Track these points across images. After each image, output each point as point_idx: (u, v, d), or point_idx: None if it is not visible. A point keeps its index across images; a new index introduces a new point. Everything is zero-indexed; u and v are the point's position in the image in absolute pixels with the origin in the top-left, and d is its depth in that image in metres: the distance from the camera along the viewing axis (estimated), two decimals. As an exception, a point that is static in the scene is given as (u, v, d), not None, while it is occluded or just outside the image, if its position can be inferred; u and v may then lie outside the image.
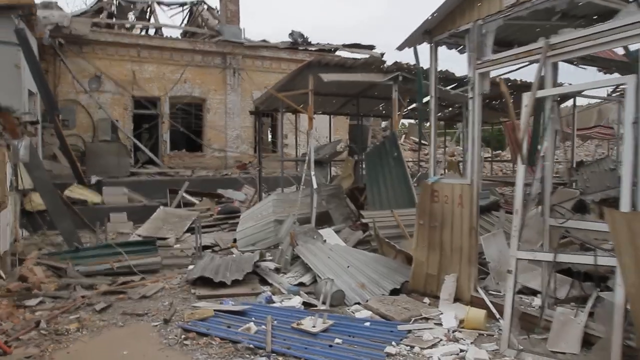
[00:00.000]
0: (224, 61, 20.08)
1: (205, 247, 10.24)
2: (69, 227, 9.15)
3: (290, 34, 21.85)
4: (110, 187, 14.09)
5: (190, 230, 12.47)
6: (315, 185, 9.89)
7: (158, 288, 7.44)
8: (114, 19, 21.26)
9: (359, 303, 6.50)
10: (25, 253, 9.63)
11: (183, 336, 5.36)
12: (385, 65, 10.78)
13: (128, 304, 6.70)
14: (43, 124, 15.22)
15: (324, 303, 5.99)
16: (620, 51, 8.92)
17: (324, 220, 11.11)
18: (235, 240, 11.20)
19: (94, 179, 14.28)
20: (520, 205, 4.86)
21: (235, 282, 7.46)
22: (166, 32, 22.70)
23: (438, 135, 25.55)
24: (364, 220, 9.11)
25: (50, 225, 11.03)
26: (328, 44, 22.16)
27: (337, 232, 10.48)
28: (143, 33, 21.88)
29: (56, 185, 13.74)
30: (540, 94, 4.86)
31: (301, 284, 7.62)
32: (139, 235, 11.55)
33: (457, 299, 6.19)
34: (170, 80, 19.27)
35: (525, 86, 12.83)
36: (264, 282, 7.85)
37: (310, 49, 21.81)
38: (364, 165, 12.27)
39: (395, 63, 10.76)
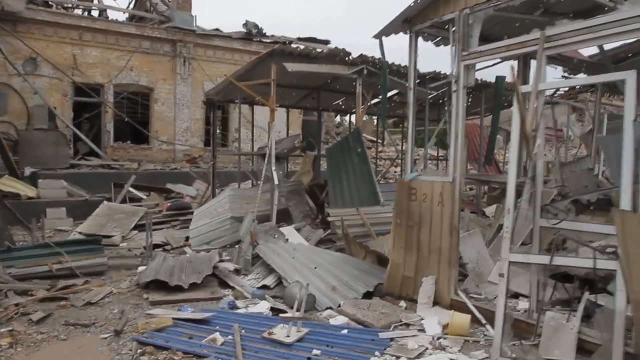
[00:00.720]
0: (174, 49, 19.04)
1: (155, 246, 9.45)
2: (-1, 223, 8.13)
3: (244, 24, 21.08)
4: (47, 180, 12.89)
5: (138, 227, 11.60)
6: (276, 181, 9.35)
7: (105, 293, 6.66)
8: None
9: (331, 308, 6.05)
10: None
11: (139, 350, 4.69)
12: (350, 57, 10.38)
13: (71, 313, 5.92)
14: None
15: (298, 310, 5.48)
16: (586, 52, 8.97)
17: (282, 217, 10.59)
18: (187, 239, 10.48)
19: (28, 171, 13.03)
20: (512, 205, 4.56)
21: (193, 286, 6.82)
22: (111, 15, 21.34)
23: (393, 134, 25.57)
24: (330, 219, 8.67)
25: (-24, 221, 9.86)
26: (283, 36, 21.55)
27: (298, 230, 10.00)
28: (86, 14, 20.37)
29: (-16, 176, 12.47)
30: (542, 87, 4.57)
31: (265, 287, 7.07)
32: (80, 233, 10.56)
33: (435, 302, 5.86)
34: (115, 67, 18.03)
35: (485, 85, 12.86)
36: (224, 284, 7.23)
37: (264, 40, 21.12)
38: (325, 162, 11.83)
39: (361, 55, 10.39)
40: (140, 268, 8.08)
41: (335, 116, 25.33)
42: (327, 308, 6.04)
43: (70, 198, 12.87)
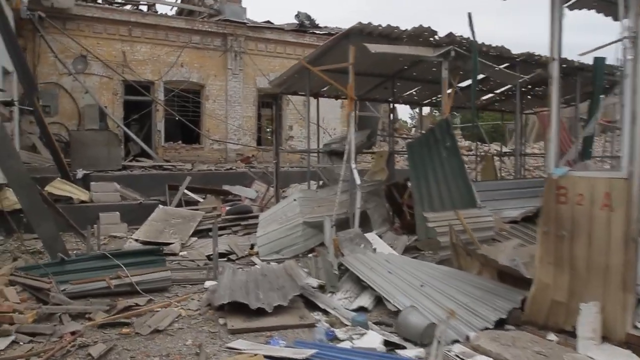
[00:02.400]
0: (225, 43, 18.10)
1: (219, 256, 8.36)
2: (50, 231, 7.20)
3: (296, 16, 20.01)
4: (100, 183, 12.09)
5: (197, 233, 10.59)
6: (358, 181, 8.07)
7: (173, 317, 5.55)
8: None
9: (458, 341, 4.72)
10: (-4, 264, 7.69)
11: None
12: (436, 37, 9.02)
13: (136, 344, 4.82)
14: (21, 108, 13.16)
15: (422, 345, 4.19)
16: None
17: (359, 222, 9.33)
18: (252, 247, 9.38)
19: (80, 173, 12.27)
20: None
21: (277, 308, 5.62)
22: (160, 9, 20.66)
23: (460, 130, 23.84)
24: (430, 224, 7.32)
25: (27, 228, 9.05)
26: (336, 27, 20.30)
27: (379, 236, 8.73)
28: (134, 9, 19.72)
29: (35, 179, 11.70)
30: None
31: (361, 309, 5.82)
32: (137, 241, 9.62)
33: (603, 336, 4.44)
34: (165, 63, 17.25)
35: (581, 69, 11.20)
36: (310, 304, 6.01)
37: (317, 32, 19.97)
38: (406, 158, 10.43)
39: (449, 35, 9.05)
40: (208, 283, 7.00)
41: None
42: (454, 341, 4.71)
43: (123, 201, 12.03)
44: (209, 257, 8.76)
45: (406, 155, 15.50)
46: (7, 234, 10.01)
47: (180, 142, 18.03)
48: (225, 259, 8.65)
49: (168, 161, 16.38)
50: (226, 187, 13.39)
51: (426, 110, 21.95)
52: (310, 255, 8.87)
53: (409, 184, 10.64)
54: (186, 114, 17.79)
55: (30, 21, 15.02)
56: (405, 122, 37.96)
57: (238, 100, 18.45)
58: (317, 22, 20.28)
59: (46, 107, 15.68)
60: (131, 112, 17.33)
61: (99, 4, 17.99)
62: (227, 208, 12.12)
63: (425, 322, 4.74)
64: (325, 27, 20.55)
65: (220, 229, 10.92)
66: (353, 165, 8.22)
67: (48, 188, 11.11)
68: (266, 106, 20.12)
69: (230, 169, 15.42)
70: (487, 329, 4.94)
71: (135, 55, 16.86)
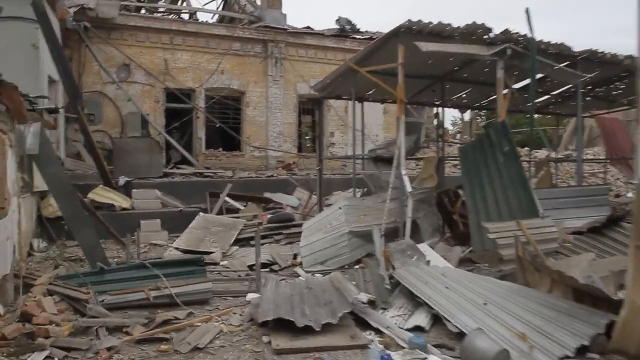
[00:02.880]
0: (265, 50, 17.92)
1: (261, 266, 7.99)
2: (91, 239, 6.99)
3: (337, 21, 19.66)
4: (141, 190, 11.99)
5: (238, 242, 10.28)
6: (409, 188, 7.55)
7: (214, 333, 5.18)
8: (144, 1, 19.35)
9: (534, 371, 4.13)
10: (38, 273, 7.55)
11: None
12: (490, 34, 8.43)
13: (175, 363, 4.46)
14: (67, 116, 13.30)
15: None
16: None
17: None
18: (295, 257, 8.97)
19: (122, 180, 12.21)
20: None
21: (325, 325, 5.16)
22: (201, 17, 20.75)
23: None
24: (491, 236, 6.70)
25: (69, 235, 8.97)
26: (378, 32, 19.83)
27: (431, 247, 8.16)
28: (176, 18, 19.87)
29: (80, 187, 11.71)
30: None
31: (417, 328, 5.28)
32: (178, 249, 9.38)
33: None
34: (206, 71, 17.20)
35: None
36: (360, 321, 5.52)
37: (358, 37, 19.56)
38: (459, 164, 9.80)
39: (505, 32, 8.42)
40: (250, 295, 6.63)
41: (436, 116, 23.11)
42: (529, 371, 4.12)
43: (164, 209, 11.88)
44: (250, 267, 8.42)
45: (456, 162, 14.85)
46: (50, 241, 9.98)
47: (220, 149, 17.91)
48: (268, 269, 8.28)
49: (208, 168, 16.25)
50: (267, 195, 13.09)
51: (466, 116, 21.12)
52: (356, 266, 8.39)
53: (461, 191, 10.04)
54: (227, 121, 17.67)
55: (76, 31, 15.24)
56: (447, 128, 36.97)
57: (278, 107, 18.22)
58: (358, 27, 19.86)
59: (91, 115, 15.89)
60: (172, 119, 17.36)
61: (142, 13, 18.14)
62: (269, 216, 11.79)
63: (495, 347, 4.17)
64: (366, 31, 20.11)
65: (262, 237, 10.57)
66: (403, 172, 7.70)
67: (91, 195, 11.07)
68: (306, 113, 19.81)
69: (271, 176, 15.12)
70: (567, 357, 4.32)
71: (176, 63, 16.88)
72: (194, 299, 6.32)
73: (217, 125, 17.49)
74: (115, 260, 8.81)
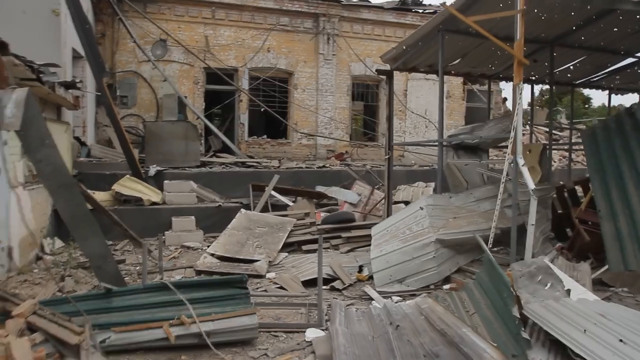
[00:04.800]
0: (316, 25, 15.91)
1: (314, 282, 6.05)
2: (99, 248, 5.22)
3: (397, -8, 17.39)
4: (175, 182, 10.26)
5: (286, 246, 8.38)
6: (532, 185, 5.38)
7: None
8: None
9: None
10: (32, 288, 5.90)
11: None
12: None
13: None
14: (98, 96, 11.73)
15: None
16: None
17: (507, 239, 6.67)
18: (361, 269, 6.98)
19: (153, 170, 10.52)
20: None
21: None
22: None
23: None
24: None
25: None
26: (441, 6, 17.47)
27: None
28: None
29: (106, 177, 10.16)
30: None
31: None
32: (214, 255, 7.54)
33: None
34: (251, 48, 15.36)
35: None
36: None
37: (422, 11, 17.27)
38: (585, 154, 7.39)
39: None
40: (311, 333, 4.71)
41: (504, 101, 20.56)
42: None
43: (200, 204, 10.10)
44: (305, 284, 6.50)
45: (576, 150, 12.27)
46: (68, 240, 8.35)
47: (265, 136, 16.09)
48: (328, 286, 6.32)
49: (252, 157, 14.45)
50: (320, 189, 11.11)
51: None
52: (445, 286, 6.33)
53: (583, 189, 7.77)
54: (272, 105, 15.79)
55: (109, 3, 13.70)
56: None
57: (330, 89, 16.21)
58: (420, 0, 17.56)
59: (124, 97, 14.39)
60: (213, 102, 15.66)
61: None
62: (323, 214, 9.84)
63: None
64: (430, 5, 17.81)
65: (314, 241, 8.64)
66: (521, 162, 5.52)
67: (115, 187, 9.42)
68: (358, 98, 17.73)
69: (323, 166, 13.13)
70: None
71: (218, 39, 15.12)
72: (234, 339, 4.44)
73: (262, 110, 15.65)
74: (138, 269, 7.09)
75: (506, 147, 11.81)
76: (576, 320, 4.07)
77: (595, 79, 9.94)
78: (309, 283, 6.49)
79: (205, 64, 14.87)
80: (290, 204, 10.43)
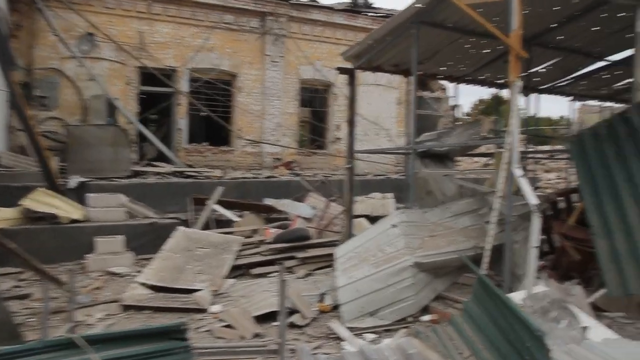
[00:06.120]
0: (263, 24, 14.82)
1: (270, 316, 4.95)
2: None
3: (348, -6, 16.66)
4: (100, 195, 8.79)
5: (234, 269, 7.21)
6: (533, 199, 4.55)
7: None
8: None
9: None
10: None
11: None
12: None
13: None
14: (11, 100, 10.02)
15: None
16: None
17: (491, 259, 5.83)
18: (323, 298, 5.95)
19: (74, 181, 9.02)
20: None
21: None
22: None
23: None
24: None
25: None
26: (394, 9, 16.94)
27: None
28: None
29: (16, 189, 8.57)
30: None
31: None
32: (145, 285, 6.24)
33: None
34: (191, 47, 14.03)
35: None
36: None
37: (372, 14, 16.63)
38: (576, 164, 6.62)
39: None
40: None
41: (453, 108, 20.20)
42: None
43: (130, 220, 8.71)
44: (258, 319, 5.37)
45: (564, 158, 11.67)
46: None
47: (206, 143, 14.75)
48: (287, 322, 5.21)
49: (191, 166, 13.10)
50: (269, 202, 9.98)
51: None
52: (424, 317, 5.41)
53: (566, 202, 7.13)
54: (214, 109, 14.50)
55: (26, -10, 12.01)
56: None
57: (277, 94, 15.14)
58: (371, 2, 16.93)
59: (43, 98, 12.64)
60: (148, 106, 14.16)
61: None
62: (273, 231, 8.73)
63: None
64: (380, 8, 17.20)
65: (265, 264, 7.53)
66: (518, 173, 4.70)
67: (25, 202, 7.87)
68: (305, 104, 16.78)
69: (272, 176, 12.01)
70: None
71: (154, 36, 13.69)
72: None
73: (203, 115, 14.33)
74: (45, 305, 5.66)
75: (476, 155, 11.21)
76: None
77: (560, 85, 9.48)
78: (263, 318, 5.38)
79: (140, 63, 13.40)
80: (236, 219, 9.23)
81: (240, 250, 7.74)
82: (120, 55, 13.30)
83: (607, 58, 8.31)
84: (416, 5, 5.70)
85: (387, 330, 5.15)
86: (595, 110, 22.01)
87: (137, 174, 10.82)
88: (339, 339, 4.94)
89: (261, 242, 8.29)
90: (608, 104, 11.66)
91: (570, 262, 6.03)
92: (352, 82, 7.52)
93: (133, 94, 13.51)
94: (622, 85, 9.99)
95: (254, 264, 7.44)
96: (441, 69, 8.24)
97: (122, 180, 9.82)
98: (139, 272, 6.96)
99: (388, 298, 5.33)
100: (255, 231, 8.86)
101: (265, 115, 14.98)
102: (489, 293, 4.28)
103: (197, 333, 5.04)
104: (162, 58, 13.73)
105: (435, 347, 4.32)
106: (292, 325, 5.24)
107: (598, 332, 4.00)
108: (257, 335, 4.97)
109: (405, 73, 8.01)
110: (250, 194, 10.79)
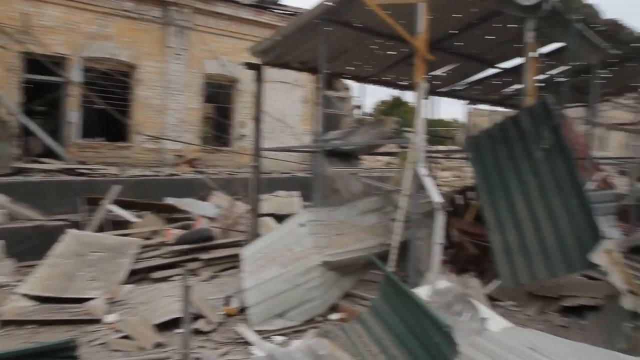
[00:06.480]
0: (166, 14, 14.10)
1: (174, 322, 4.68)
2: None
3: (255, -12, 16.37)
4: (-26, 193, 7.81)
5: (133, 274, 6.74)
6: (437, 197, 4.70)
7: None
8: None
9: None
10: None
11: None
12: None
13: None
14: None
15: None
16: None
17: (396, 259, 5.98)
18: (229, 300, 5.74)
19: (-59, 178, 7.91)
20: None
21: None
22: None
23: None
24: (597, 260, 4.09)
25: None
26: (300, 8, 16.96)
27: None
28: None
29: None
30: None
31: None
32: (28, 296, 5.60)
33: None
34: (85, 34, 12.95)
35: None
36: None
37: (279, 11, 16.53)
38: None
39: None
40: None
41: (357, 108, 20.70)
42: None
43: (11, 224, 7.82)
44: (160, 327, 5.04)
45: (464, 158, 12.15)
46: None
47: (101, 138, 13.73)
48: (192, 329, 4.93)
49: (84, 163, 12.11)
50: (170, 201, 9.49)
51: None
52: (332, 315, 5.40)
53: (463, 199, 7.50)
54: (111, 102, 13.53)
55: None
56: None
57: (180, 88, 14.50)
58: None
59: None
60: (34, 96, 12.87)
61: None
62: (175, 231, 8.30)
63: None
64: (287, 6, 17.15)
65: (166, 267, 7.15)
66: (423, 172, 4.83)
67: None
68: (210, 100, 16.27)
69: (173, 174, 11.45)
70: None
71: (42, 20, 12.44)
72: None
73: (98, 107, 13.32)
74: None
75: (379, 154, 11.51)
76: (508, 359, 3.41)
77: (457, 89, 10.05)
78: (165, 325, 5.06)
79: (25, 48, 12.13)
80: (135, 220, 8.66)
81: (139, 253, 7.26)
82: (1, 38, 11.95)
83: (498, 65, 8.92)
84: (326, 3, 5.68)
85: (296, 332, 5.07)
86: (485, 114, 23.75)
87: (20, 171, 9.78)
88: (247, 343, 4.77)
89: (162, 244, 7.85)
90: (497, 108, 12.57)
91: (468, 256, 6.37)
92: (259, 78, 7.35)
93: (16, 82, 12.19)
94: (511, 91, 10.82)
95: (154, 267, 7.02)
96: (348, 68, 8.35)
97: (2, 178, 8.80)
98: (20, 281, 6.24)
99: (297, 298, 5.26)
100: (155, 232, 8.37)
101: (167, 110, 14.27)
102: (396, 290, 4.36)
103: (90, 347, 4.61)
104: (51, 44, 12.53)
105: (345, 346, 4.32)
106: (197, 332, 4.97)
107: (495, 322, 4.22)
108: (159, 345, 4.65)
109: (313, 71, 8.00)
110: (150, 193, 10.19)
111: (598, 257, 4.56)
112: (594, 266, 4.80)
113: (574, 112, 13.53)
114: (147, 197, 9.90)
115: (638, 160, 9.50)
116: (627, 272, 4.46)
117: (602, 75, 8.73)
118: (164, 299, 5.68)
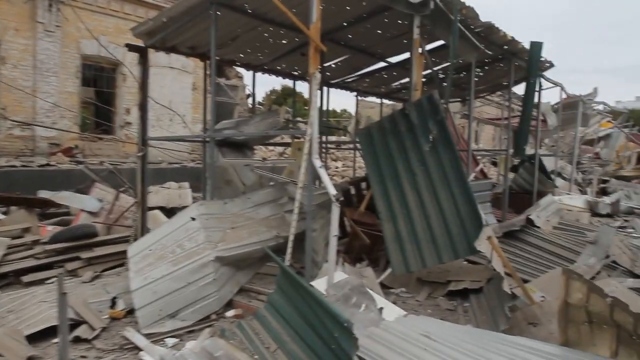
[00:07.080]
0: (33, -15, 12.71)
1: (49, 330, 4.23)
2: None
3: (137, -34, 15.29)
4: None
5: (2, 278, 6.00)
6: (333, 190, 4.72)
7: None
8: None
9: None
10: None
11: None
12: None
13: None
14: None
15: None
16: None
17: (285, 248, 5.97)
18: (115, 303, 5.34)
19: None
20: None
21: None
22: None
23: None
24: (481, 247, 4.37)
25: None
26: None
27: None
28: None
29: None
30: None
31: None
32: None
33: None
34: None
35: (514, 53, 9.44)
36: None
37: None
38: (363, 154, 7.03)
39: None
40: None
41: (249, 97, 20.39)
42: None
43: None
44: (32, 338, 4.52)
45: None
46: None
47: (-44, 124, 12.09)
48: (71, 337, 4.49)
49: None
50: (45, 195, 8.56)
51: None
52: (228, 313, 5.24)
53: (355, 190, 7.66)
54: (-32, 83, 11.94)
55: None
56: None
57: (53, 69, 13.19)
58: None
59: None
60: None
61: None
62: (51, 228, 7.53)
63: None
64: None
65: (40, 268, 6.47)
66: (318, 163, 4.83)
67: None
68: (89, 83, 15.02)
69: (48, 164, 10.38)
70: None
71: None
72: None
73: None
74: None
75: (272, 144, 11.39)
76: (404, 347, 3.52)
77: (348, 81, 10.26)
78: (39, 335, 4.55)
79: None
80: (1, 217, 7.70)
81: (6, 255, 6.46)
82: None
83: (387, 59, 9.24)
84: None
85: (190, 332, 4.83)
86: (372, 105, 24.67)
87: None
88: (136, 348, 4.44)
89: (35, 243, 7.06)
90: (384, 101, 13.09)
91: (361, 246, 6.55)
92: (143, 62, 6.84)
93: None
94: (397, 85, 11.31)
95: (25, 269, 6.30)
96: (240, 55, 8.11)
97: None
98: None
99: (189, 297, 5.01)
100: (27, 230, 7.49)
101: (38, 93, 12.92)
102: (293, 283, 4.31)
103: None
104: None
105: (242, 344, 4.20)
106: (78, 340, 4.53)
107: (390, 310, 4.36)
108: (31, 359, 4.15)
109: (203, 57, 7.64)
110: (19, 185, 9.15)
111: (480, 243, 4.90)
112: (476, 252, 5.16)
113: (453, 107, 14.58)
114: (15, 190, 8.88)
115: (507, 152, 10.45)
116: (504, 256, 4.87)
117: (477, 73, 9.46)
118: (37, 306, 5.10)
